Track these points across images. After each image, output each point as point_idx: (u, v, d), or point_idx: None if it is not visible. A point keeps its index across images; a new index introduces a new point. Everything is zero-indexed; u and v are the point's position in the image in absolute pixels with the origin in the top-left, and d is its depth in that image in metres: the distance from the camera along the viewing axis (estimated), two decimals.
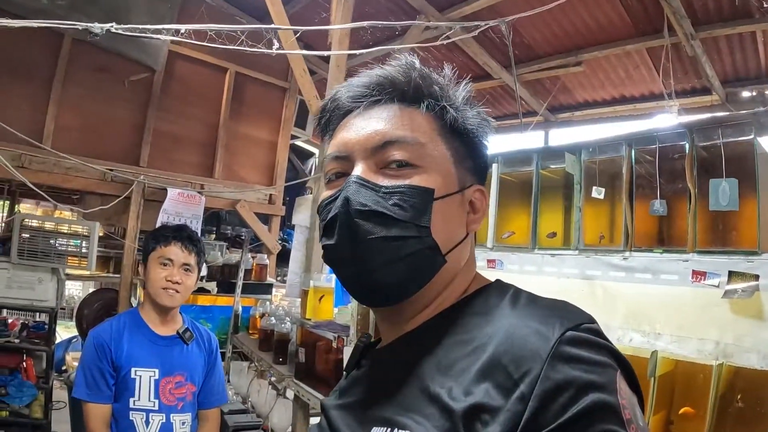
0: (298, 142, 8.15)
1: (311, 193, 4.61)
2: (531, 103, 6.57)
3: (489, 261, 2.38)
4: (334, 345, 3.33)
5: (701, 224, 1.76)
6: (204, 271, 5.26)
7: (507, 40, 3.90)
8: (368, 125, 0.91)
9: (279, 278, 6.35)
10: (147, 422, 2.45)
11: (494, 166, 2.45)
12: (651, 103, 6.03)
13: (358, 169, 0.88)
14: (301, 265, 4.27)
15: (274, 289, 5.88)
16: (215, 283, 5.42)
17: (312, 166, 9.08)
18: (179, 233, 2.68)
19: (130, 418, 2.43)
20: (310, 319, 3.74)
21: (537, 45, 5.72)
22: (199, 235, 5.30)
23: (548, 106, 6.62)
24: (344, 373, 1.06)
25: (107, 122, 5.49)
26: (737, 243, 1.68)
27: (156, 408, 2.48)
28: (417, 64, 0.94)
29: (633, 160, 1.98)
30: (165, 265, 2.58)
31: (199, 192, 5.54)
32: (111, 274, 4.99)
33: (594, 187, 2.05)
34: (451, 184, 0.90)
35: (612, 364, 0.71)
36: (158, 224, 4.89)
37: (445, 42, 4.00)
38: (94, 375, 2.43)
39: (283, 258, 6.56)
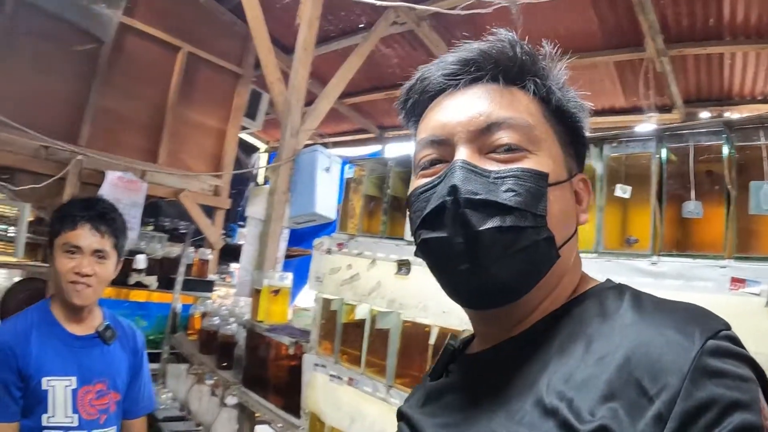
0: (245, 135, 7.81)
1: (268, 184, 4.32)
2: None
3: None
4: (291, 351, 3.08)
5: (740, 229, 1.63)
6: (143, 264, 4.85)
7: (517, 24, 3.69)
8: (469, 105, 0.83)
9: (220, 275, 6.00)
10: None
11: None
12: (611, 117, 5.99)
13: (462, 153, 0.80)
14: (254, 262, 3.95)
15: (215, 287, 5.54)
16: (155, 277, 4.99)
17: (257, 160, 8.76)
18: (88, 211, 2.12)
19: None
20: (262, 322, 3.45)
21: None
22: (139, 223, 4.93)
23: None
24: (428, 378, 0.94)
25: (45, 94, 4.95)
26: None
27: (75, 424, 2.03)
28: (518, 39, 0.87)
29: (664, 158, 1.83)
30: (72, 253, 2.06)
31: (140, 178, 5.12)
32: (40, 263, 4.51)
33: (618, 185, 1.87)
34: (561, 171, 0.83)
35: (754, 379, 0.64)
36: None
37: (465, 12, 3.74)
38: None
39: (226, 254, 6.25)
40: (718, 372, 0.62)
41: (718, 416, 0.59)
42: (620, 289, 0.80)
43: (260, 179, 8.55)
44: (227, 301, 4.71)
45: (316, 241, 2.96)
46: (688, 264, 1.67)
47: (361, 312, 2.56)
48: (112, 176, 4.84)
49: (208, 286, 5.40)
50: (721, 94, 5.57)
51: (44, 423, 1.97)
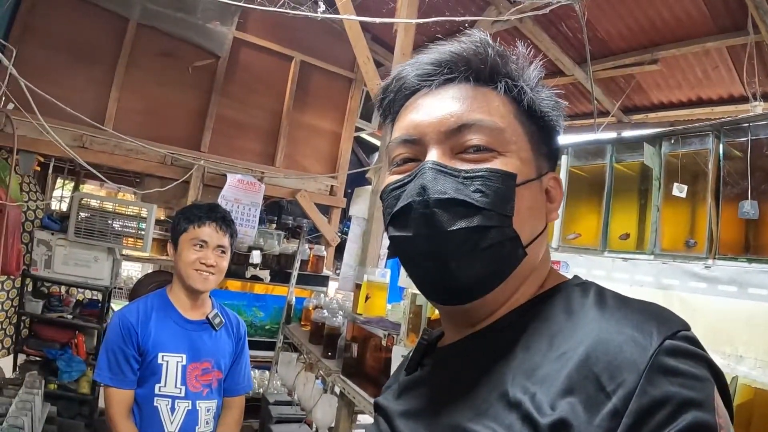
0: (364, 135, 8.06)
1: (371, 184, 4.49)
2: (604, 103, 6.28)
3: (553, 262, 2.17)
4: (384, 343, 3.21)
5: None
6: (258, 259, 5.23)
7: (581, 20, 3.66)
8: (441, 106, 0.84)
9: (336, 271, 6.28)
10: (172, 409, 2.35)
11: (564, 159, 2.25)
12: (730, 106, 5.67)
13: (433, 154, 0.82)
14: (356, 258, 4.15)
15: (330, 282, 5.82)
16: (268, 271, 5.37)
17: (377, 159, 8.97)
18: (213, 213, 2.53)
19: (155, 404, 2.32)
20: (361, 314, 3.62)
21: (611, 40, 5.44)
22: (258, 222, 5.30)
23: (621, 106, 6.32)
24: (403, 372, 0.97)
25: (169, 107, 5.52)
26: None
27: (182, 395, 2.37)
28: (490, 41, 0.87)
29: (721, 154, 1.74)
30: (200, 247, 2.45)
31: (258, 179, 5.49)
32: (167, 257, 4.98)
33: (675, 184, 1.80)
34: (530, 171, 0.84)
35: (709, 378, 0.66)
36: None
37: (515, 17, 3.76)
38: (117, 359, 2.33)
39: (342, 251, 6.47)
40: (674, 371, 0.63)
41: (671, 413, 0.61)
42: (586, 286, 0.82)
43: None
44: (339, 295, 4.95)
45: None
46: (742, 269, 1.59)
47: None
48: (232, 179, 5.24)
49: (323, 280, 5.70)
50: None
51: (156, 391, 2.33)
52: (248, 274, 5.26)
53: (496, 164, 0.80)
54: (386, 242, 4.37)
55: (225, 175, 5.26)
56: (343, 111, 6.67)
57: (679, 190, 1.80)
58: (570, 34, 5.49)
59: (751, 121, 1.69)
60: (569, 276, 0.89)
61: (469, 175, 0.78)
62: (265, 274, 5.29)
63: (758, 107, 3.95)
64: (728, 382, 1.32)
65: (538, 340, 0.75)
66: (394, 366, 2.96)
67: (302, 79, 6.26)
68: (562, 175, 2.22)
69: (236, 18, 5.45)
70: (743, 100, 5.42)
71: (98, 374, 2.35)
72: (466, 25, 5.23)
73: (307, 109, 6.37)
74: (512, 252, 0.80)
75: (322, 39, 6.26)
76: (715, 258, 1.68)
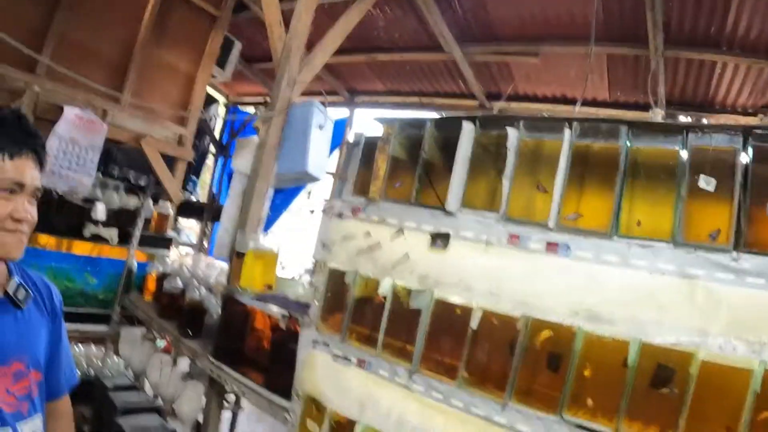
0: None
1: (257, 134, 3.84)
2: (471, 85, 6.22)
3: (549, 244, 1.94)
4: (283, 325, 2.76)
5: None
6: (103, 215, 4.36)
7: None
8: None
9: (177, 232, 5.58)
10: None
11: (566, 134, 2.02)
12: (592, 108, 5.87)
13: None
14: (236, 221, 3.56)
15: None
16: (116, 231, 4.46)
17: (215, 113, 8.23)
18: (33, 139, 1.48)
19: None
20: (246, 289, 3.10)
21: (499, 25, 5.33)
22: (95, 168, 4.43)
23: (485, 91, 6.40)
24: None
25: (4, 16, 4.30)
26: None
27: None
28: None
29: (751, 153, 1.76)
30: (10, 192, 1.42)
31: (101, 118, 4.62)
32: None
33: (702, 177, 1.79)
34: None
35: None
36: (48, 151, 3.82)
37: None
38: None
39: (184, 210, 5.80)
40: None
41: None
42: None
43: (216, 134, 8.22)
44: (188, 261, 4.35)
45: (326, 204, 2.66)
46: None
47: (385, 287, 2.28)
48: (70, 113, 4.34)
49: (166, 243, 4.99)
50: (704, 101, 5.57)
51: None
52: (88, 233, 4.37)
53: None
54: (268, 204, 3.82)
55: (62, 108, 4.34)
56: (200, 52, 5.88)
57: (706, 183, 1.80)
58: (460, 13, 5.27)
59: None
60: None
61: None
62: (112, 234, 4.39)
63: (658, 115, 4.05)
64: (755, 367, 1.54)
65: None
66: (301, 352, 2.56)
67: (163, 8, 5.33)
68: (564, 153, 2.02)
69: None
70: (605, 105, 5.92)
71: None
72: None
73: (164, 43, 5.49)
74: None
75: None
76: (739, 251, 1.69)
